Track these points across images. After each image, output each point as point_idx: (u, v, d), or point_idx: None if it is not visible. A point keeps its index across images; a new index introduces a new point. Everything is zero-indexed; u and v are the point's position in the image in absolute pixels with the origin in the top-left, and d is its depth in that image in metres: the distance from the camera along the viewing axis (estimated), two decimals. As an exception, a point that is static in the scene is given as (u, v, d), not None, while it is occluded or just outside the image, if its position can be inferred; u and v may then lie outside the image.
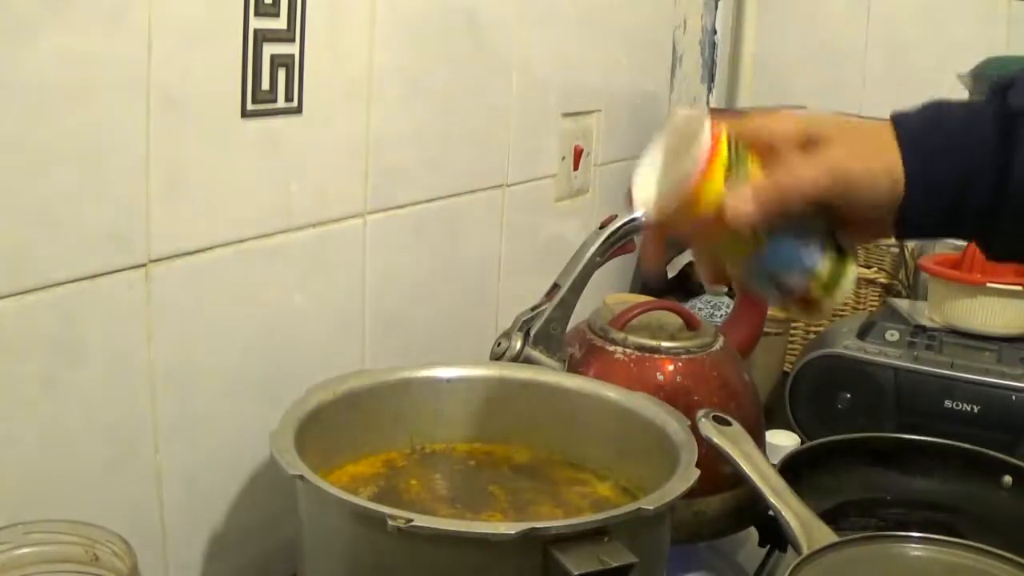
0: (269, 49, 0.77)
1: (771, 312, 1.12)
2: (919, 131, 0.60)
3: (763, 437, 0.97)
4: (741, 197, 0.57)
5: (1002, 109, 0.59)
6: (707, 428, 0.82)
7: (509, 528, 0.60)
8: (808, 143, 0.60)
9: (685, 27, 1.63)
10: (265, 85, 0.77)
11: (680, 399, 0.85)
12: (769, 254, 0.60)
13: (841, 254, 0.61)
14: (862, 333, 1.18)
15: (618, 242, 0.92)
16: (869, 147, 0.60)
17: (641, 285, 1.47)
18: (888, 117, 0.61)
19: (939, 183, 0.59)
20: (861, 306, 1.39)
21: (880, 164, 0.59)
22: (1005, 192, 0.58)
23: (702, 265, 0.64)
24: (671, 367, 0.89)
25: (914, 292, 1.43)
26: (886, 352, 1.13)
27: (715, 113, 0.60)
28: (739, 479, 0.82)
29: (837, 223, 0.61)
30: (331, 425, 0.78)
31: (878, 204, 0.59)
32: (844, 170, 0.58)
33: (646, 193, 0.60)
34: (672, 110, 0.58)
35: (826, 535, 0.74)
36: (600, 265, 0.93)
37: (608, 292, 1.28)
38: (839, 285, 0.61)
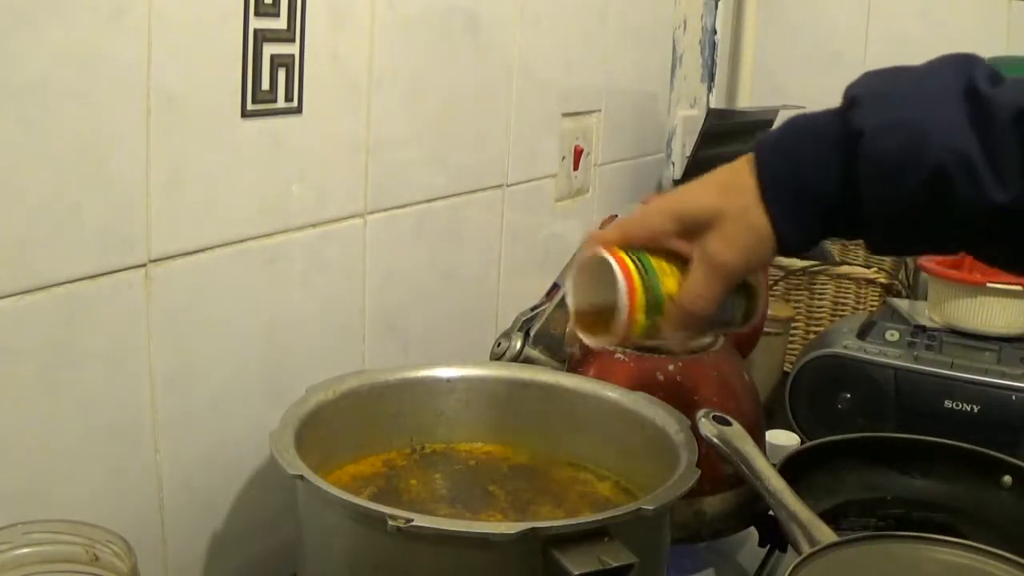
0: (269, 49, 0.77)
1: (771, 312, 1.12)
2: (775, 170, 0.65)
3: (763, 437, 0.97)
4: (674, 340, 0.69)
5: (844, 131, 0.62)
6: (707, 428, 0.82)
7: (509, 528, 0.60)
8: (686, 232, 0.66)
9: (685, 27, 1.63)
10: (265, 85, 0.77)
11: (680, 399, 0.85)
12: None
13: (749, 291, 0.70)
14: (862, 333, 1.18)
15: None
16: (739, 221, 0.65)
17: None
18: (754, 148, 0.66)
19: (803, 221, 0.65)
20: (861, 306, 1.39)
21: (751, 236, 0.65)
22: (859, 215, 0.63)
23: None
24: (671, 367, 0.89)
25: (914, 292, 1.43)
26: (886, 352, 1.13)
27: (597, 239, 0.67)
28: (739, 479, 0.82)
29: None
30: (331, 425, 0.78)
31: (763, 260, 0.67)
32: (727, 265, 0.65)
33: (584, 330, 0.69)
34: (580, 249, 0.69)
35: (826, 535, 0.74)
36: (600, 265, 0.93)
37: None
38: (753, 314, 0.71)
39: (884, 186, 0.61)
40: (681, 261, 0.66)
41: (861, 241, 0.67)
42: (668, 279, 0.66)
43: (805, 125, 0.65)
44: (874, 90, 0.63)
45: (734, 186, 0.65)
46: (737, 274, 0.66)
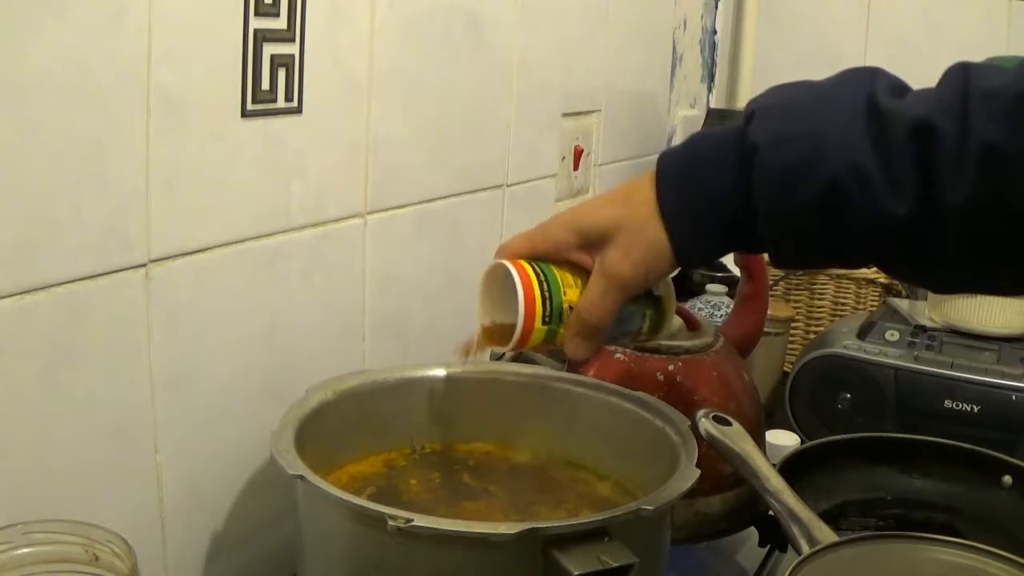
0: (269, 49, 0.77)
1: (771, 312, 1.12)
2: (674, 184, 0.65)
3: (763, 437, 0.97)
4: (571, 347, 0.68)
5: (741, 145, 0.63)
6: (707, 428, 0.82)
7: (509, 528, 0.60)
8: (588, 244, 0.67)
9: (685, 27, 1.63)
10: (265, 85, 0.77)
11: (680, 399, 0.85)
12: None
13: (656, 302, 0.72)
14: (862, 333, 1.18)
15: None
16: (637, 235, 0.66)
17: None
18: (656, 161, 0.67)
19: (701, 236, 0.65)
20: (861, 306, 1.39)
21: (648, 249, 0.65)
22: (757, 228, 0.63)
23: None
24: (671, 367, 0.89)
25: (914, 292, 1.43)
26: (886, 352, 1.13)
27: (504, 250, 0.70)
28: (739, 479, 0.82)
29: None
30: (331, 425, 0.78)
31: (661, 273, 0.67)
32: (622, 276, 0.66)
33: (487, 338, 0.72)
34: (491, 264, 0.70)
35: (826, 535, 0.74)
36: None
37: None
38: (662, 325, 0.73)
39: (780, 199, 0.61)
40: (586, 273, 0.68)
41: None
42: (570, 290, 0.68)
43: (705, 139, 0.66)
44: (774, 103, 0.64)
45: (634, 200, 0.66)
46: (633, 286, 0.67)
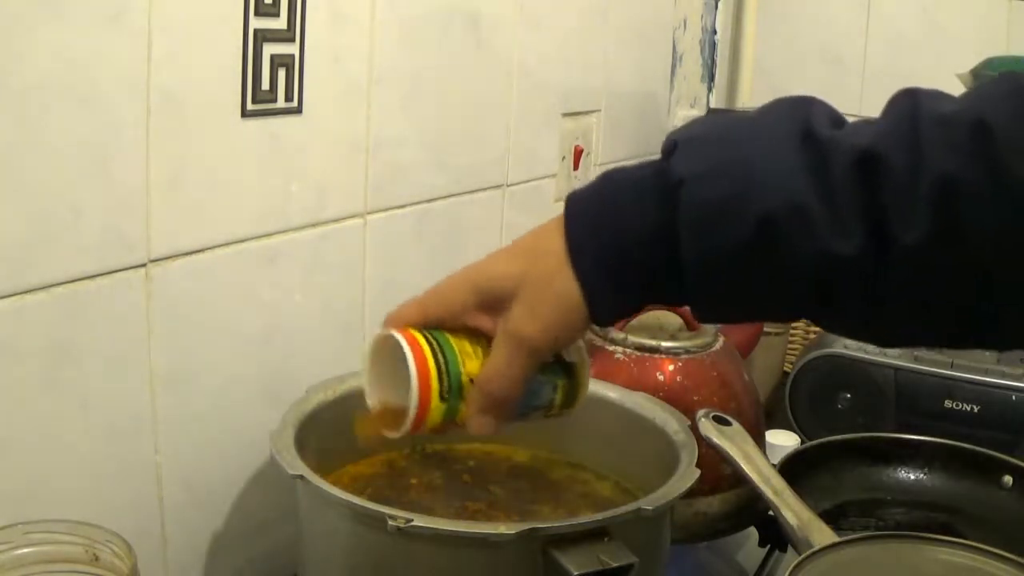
0: (269, 49, 0.77)
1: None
2: (585, 229, 0.57)
3: (763, 437, 0.97)
4: (475, 425, 0.59)
5: (662, 180, 0.55)
6: (707, 428, 0.82)
7: (509, 528, 0.60)
8: (489, 305, 0.59)
9: (685, 27, 1.63)
10: (265, 85, 0.77)
11: (680, 399, 0.85)
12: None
13: (568, 370, 0.63)
14: (862, 333, 1.18)
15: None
16: (543, 290, 0.57)
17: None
18: (564, 206, 0.59)
19: (616, 286, 0.57)
20: (861, 306, 1.39)
21: (557, 305, 0.57)
22: (680, 275, 0.55)
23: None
24: (671, 367, 0.89)
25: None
26: (886, 352, 1.13)
27: (392, 320, 0.61)
28: (739, 479, 0.82)
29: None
30: (331, 425, 0.78)
31: (574, 333, 0.59)
32: (530, 339, 0.57)
33: (381, 421, 0.62)
34: (373, 337, 0.62)
35: (826, 535, 0.74)
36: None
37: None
38: (576, 397, 0.64)
39: (706, 239, 0.53)
40: (487, 340, 0.59)
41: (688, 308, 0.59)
42: (470, 360, 0.59)
43: (620, 177, 0.58)
44: (698, 135, 0.56)
45: (539, 250, 0.58)
46: (542, 350, 0.58)
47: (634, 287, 0.57)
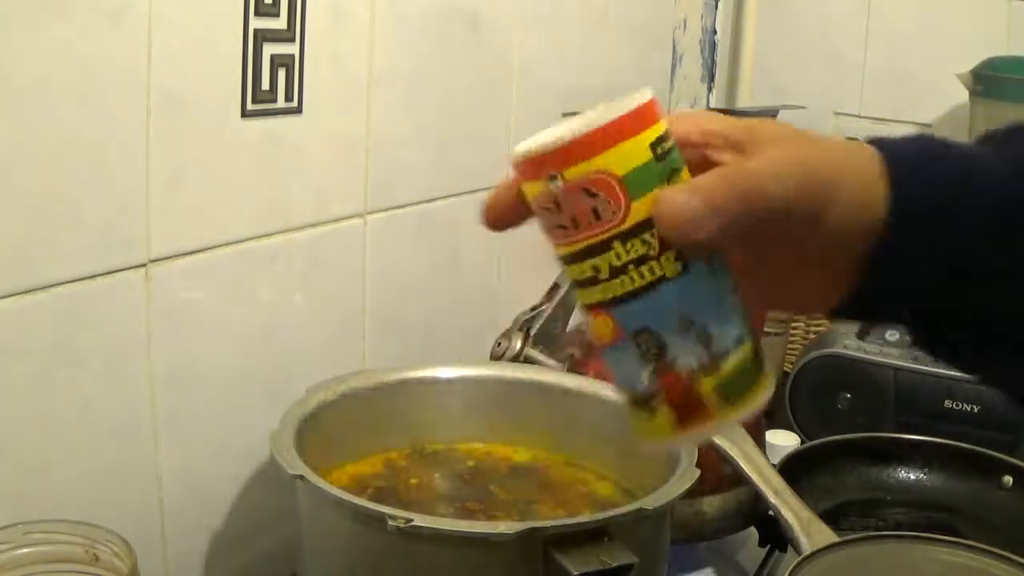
0: (269, 49, 0.77)
1: (771, 312, 1.12)
2: (910, 151, 0.43)
3: (763, 437, 0.97)
4: (687, 200, 0.38)
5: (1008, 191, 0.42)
6: (707, 428, 0.82)
7: (509, 528, 0.60)
8: (746, 145, 0.41)
9: (685, 27, 1.63)
10: (265, 85, 0.77)
11: (680, 399, 0.85)
12: (679, 291, 0.39)
13: (754, 341, 0.41)
14: (862, 333, 1.17)
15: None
16: (835, 150, 0.43)
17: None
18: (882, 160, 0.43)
19: (935, 216, 0.42)
20: (861, 306, 1.39)
21: (854, 174, 0.41)
22: (985, 302, 0.43)
23: None
24: (671, 367, 0.89)
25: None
26: (886, 352, 1.13)
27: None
28: (739, 479, 0.82)
29: (765, 277, 0.44)
30: (331, 425, 0.78)
31: (849, 228, 0.41)
32: (811, 167, 0.40)
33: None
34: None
35: (826, 535, 0.74)
36: (600, 265, 0.93)
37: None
38: (749, 392, 0.40)
39: None
40: None
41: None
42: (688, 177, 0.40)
43: (960, 169, 0.43)
44: None
45: (830, 138, 0.43)
46: (814, 185, 0.40)
47: (940, 243, 0.42)
